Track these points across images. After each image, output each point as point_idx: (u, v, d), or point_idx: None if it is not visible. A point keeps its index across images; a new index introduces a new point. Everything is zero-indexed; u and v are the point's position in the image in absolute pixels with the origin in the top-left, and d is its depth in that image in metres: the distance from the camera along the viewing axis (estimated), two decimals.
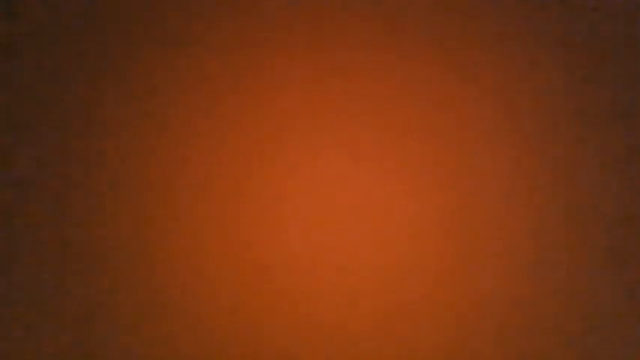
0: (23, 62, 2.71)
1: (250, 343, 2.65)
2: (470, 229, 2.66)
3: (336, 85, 2.70)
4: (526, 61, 2.69)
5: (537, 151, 2.68)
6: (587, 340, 2.64)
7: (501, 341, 2.64)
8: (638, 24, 2.68)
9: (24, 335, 2.65)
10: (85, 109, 2.70)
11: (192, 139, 2.69)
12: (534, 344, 2.64)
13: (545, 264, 2.66)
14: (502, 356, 2.64)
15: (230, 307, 2.65)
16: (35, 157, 2.69)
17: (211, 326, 2.65)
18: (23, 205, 2.68)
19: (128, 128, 2.70)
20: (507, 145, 2.68)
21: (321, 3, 2.72)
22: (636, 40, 2.68)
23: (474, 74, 2.69)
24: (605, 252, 2.66)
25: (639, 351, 2.62)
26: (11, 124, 2.69)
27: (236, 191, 2.68)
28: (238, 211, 2.68)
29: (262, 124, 2.70)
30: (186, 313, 2.66)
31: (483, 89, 2.69)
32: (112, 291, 2.66)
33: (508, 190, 2.67)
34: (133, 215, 2.68)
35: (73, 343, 2.65)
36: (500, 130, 2.68)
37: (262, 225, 2.67)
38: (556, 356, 2.64)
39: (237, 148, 2.69)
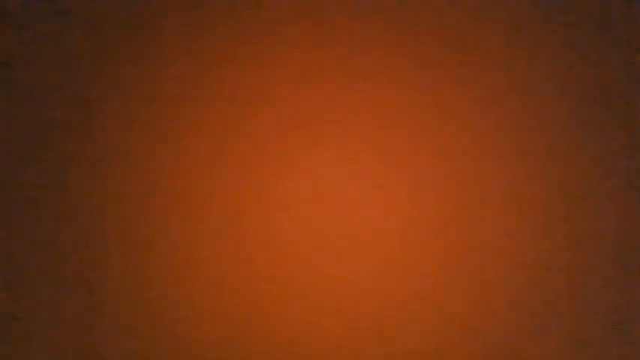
0: (24, 70, 2.72)
1: (249, 344, 2.65)
2: (472, 231, 2.66)
3: (338, 87, 2.71)
4: (529, 65, 2.70)
5: (540, 153, 2.68)
6: (590, 342, 2.64)
7: (502, 341, 2.64)
8: None
9: (22, 335, 2.65)
10: (84, 113, 2.71)
11: (193, 140, 2.70)
12: (535, 345, 2.64)
13: (547, 266, 2.66)
14: (502, 356, 2.63)
15: (230, 309, 2.65)
16: (35, 160, 2.70)
17: (210, 329, 2.65)
18: (23, 206, 2.69)
19: (128, 131, 2.70)
20: (509, 147, 2.69)
21: (322, 3, 2.72)
22: None
23: (477, 77, 2.70)
24: (608, 253, 2.66)
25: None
26: (11, 128, 2.71)
27: (235, 192, 2.68)
28: (238, 211, 2.68)
29: (262, 126, 2.70)
30: (185, 314, 2.66)
31: (485, 91, 2.70)
32: (111, 291, 2.66)
33: (510, 192, 2.67)
34: (134, 218, 2.68)
35: (71, 344, 2.65)
36: (502, 131, 2.69)
37: (263, 226, 2.67)
38: (557, 357, 2.64)
39: (236, 149, 2.70)
